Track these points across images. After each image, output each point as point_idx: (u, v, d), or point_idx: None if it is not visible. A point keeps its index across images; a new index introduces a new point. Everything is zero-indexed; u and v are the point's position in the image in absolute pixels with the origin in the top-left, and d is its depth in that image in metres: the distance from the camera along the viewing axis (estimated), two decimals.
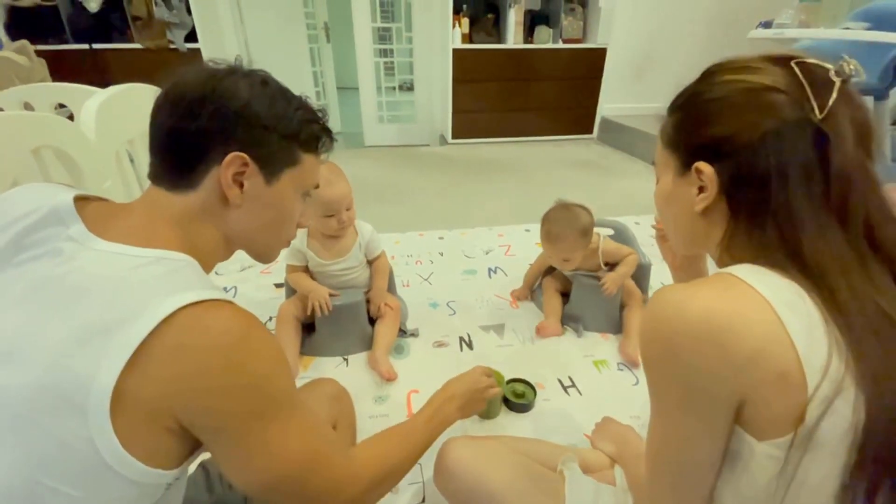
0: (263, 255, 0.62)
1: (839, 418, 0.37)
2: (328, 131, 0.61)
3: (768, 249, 0.43)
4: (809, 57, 0.44)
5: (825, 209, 0.41)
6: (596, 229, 1.68)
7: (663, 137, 0.53)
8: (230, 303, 0.45)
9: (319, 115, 0.59)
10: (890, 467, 0.37)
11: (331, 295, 1.26)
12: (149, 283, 0.42)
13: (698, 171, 0.47)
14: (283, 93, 0.56)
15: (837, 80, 0.42)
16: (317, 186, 0.63)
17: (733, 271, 0.43)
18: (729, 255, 0.48)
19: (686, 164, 0.49)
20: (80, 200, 0.49)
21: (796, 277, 0.40)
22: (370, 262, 1.38)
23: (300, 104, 0.57)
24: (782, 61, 0.44)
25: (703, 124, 0.47)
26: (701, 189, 0.48)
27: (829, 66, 0.43)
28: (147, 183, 0.54)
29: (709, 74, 0.49)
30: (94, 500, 0.40)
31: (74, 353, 0.39)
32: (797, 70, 0.43)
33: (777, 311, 0.38)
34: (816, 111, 0.41)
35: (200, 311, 0.42)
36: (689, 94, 0.50)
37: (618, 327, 1.39)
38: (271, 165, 0.54)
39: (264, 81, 0.54)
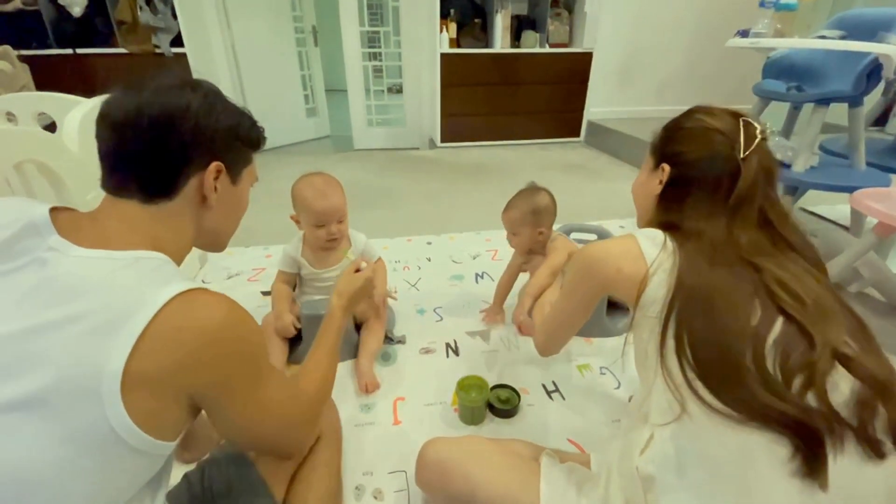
0: (221, 246, 0.69)
1: (658, 285, 0.62)
2: (263, 131, 0.69)
3: (663, 220, 0.71)
4: (751, 117, 0.67)
5: (722, 206, 0.65)
6: (577, 234, 1.69)
7: (651, 145, 0.77)
8: (207, 290, 0.52)
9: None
10: (688, 313, 0.58)
11: (305, 316, 1.26)
12: (139, 278, 0.48)
13: (663, 169, 0.72)
14: (232, 101, 0.62)
15: (759, 137, 0.65)
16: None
17: (633, 231, 0.70)
18: (649, 222, 0.75)
19: (657, 164, 0.74)
20: (52, 212, 0.51)
21: (668, 232, 0.66)
22: None
23: (244, 110, 0.64)
24: (736, 116, 0.68)
25: (673, 142, 0.73)
26: (661, 181, 0.73)
27: (758, 126, 0.66)
28: None
29: (689, 111, 0.72)
30: (109, 470, 0.45)
31: (83, 347, 0.43)
32: (741, 124, 0.66)
33: (639, 241, 0.66)
34: (742, 152, 0.64)
35: (189, 298, 0.49)
36: (673, 121, 0.74)
37: (604, 331, 1.42)
38: (236, 167, 0.63)
39: (218, 93, 0.60)
